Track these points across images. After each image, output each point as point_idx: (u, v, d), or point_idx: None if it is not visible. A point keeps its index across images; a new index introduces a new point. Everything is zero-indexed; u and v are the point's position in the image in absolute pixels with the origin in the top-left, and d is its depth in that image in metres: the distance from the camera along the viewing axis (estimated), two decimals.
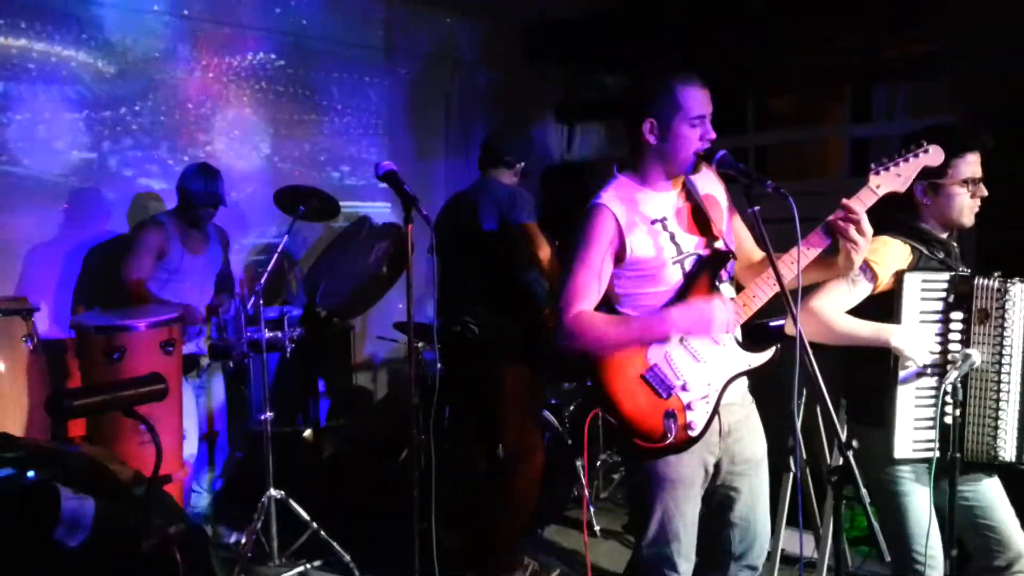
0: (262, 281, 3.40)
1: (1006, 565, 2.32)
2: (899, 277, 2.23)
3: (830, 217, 2.09)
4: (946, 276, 2.25)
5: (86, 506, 1.68)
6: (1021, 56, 3.25)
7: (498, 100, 5.76)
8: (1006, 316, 2.20)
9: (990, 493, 2.34)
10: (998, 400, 2.22)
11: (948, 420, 2.20)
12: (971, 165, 2.28)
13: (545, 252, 3.24)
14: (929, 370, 2.24)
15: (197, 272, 3.81)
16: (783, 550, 3.35)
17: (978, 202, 2.33)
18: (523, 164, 3.45)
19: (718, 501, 2.33)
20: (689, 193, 2.28)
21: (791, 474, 3.10)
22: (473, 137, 5.56)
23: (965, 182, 2.28)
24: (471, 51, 5.64)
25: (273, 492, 3.50)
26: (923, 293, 2.23)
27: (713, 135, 2.16)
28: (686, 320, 2.11)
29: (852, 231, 2.06)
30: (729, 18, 4.76)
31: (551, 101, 6.19)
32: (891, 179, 2.12)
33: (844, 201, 2.09)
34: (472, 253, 3.35)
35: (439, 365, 4.01)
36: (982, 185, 2.31)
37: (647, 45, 5.05)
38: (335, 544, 3.51)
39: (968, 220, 2.34)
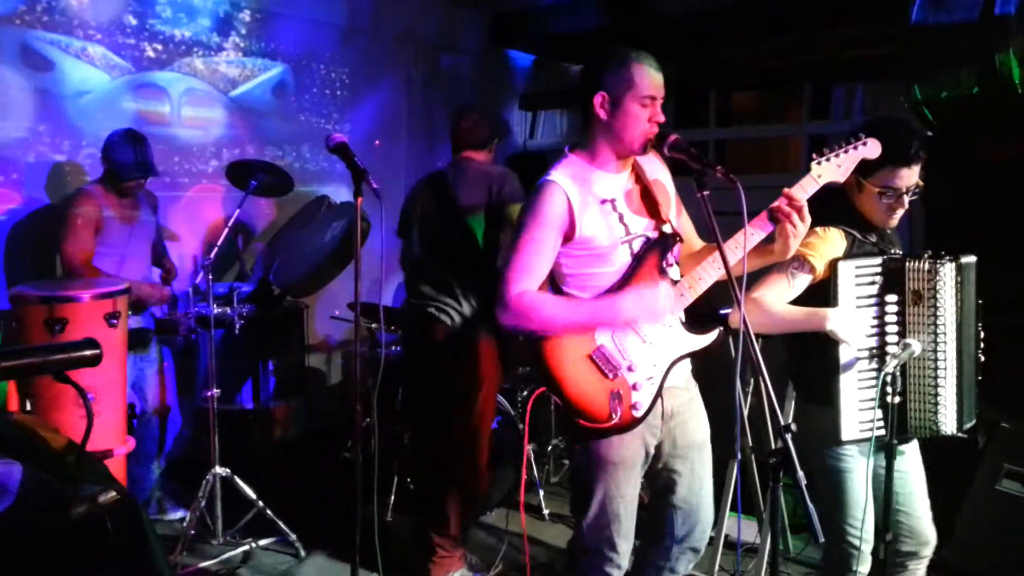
0: (211, 256, 3.33)
1: (913, 552, 2.40)
2: (833, 266, 2.26)
3: (773, 204, 2.12)
4: (878, 261, 2.28)
5: (12, 471, 1.64)
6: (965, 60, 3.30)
7: (461, 85, 5.73)
8: (938, 295, 2.23)
9: (912, 480, 2.40)
10: (936, 378, 2.27)
11: (890, 400, 2.24)
12: (898, 178, 2.27)
13: None
14: (867, 353, 2.28)
15: (132, 242, 3.66)
16: (727, 535, 3.40)
17: (900, 210, 2.33)
18: (497, 141, 3.32)
19: (661, 484, 2.35)
20: (639, 176, 2.28)
21: (736, 460, 3.14)
22: (435, 120, 5.53)
23: (882, 191, 2.29)
24: (436, 35, 5.61)
25: (218, 469, 3.45)
26: (857, 279, 2.27)
27: (662, 118, 2.16)
28: (635, 307, 2.11)
29: (794, 217, 2.10)
30: (696, 14, 4.81)
31: (515, 88, 6.18)
32: (832, 169, 2.16)
33: (786, 190, 2.13)
34: (450, 236, 3.22)
35: (395, 347, 4.00)
36: (904, 198, 2.30)
37: (613, 37, 5.07)
38: (280, 523, 3.48)
39: (882, 222, 2.36)
